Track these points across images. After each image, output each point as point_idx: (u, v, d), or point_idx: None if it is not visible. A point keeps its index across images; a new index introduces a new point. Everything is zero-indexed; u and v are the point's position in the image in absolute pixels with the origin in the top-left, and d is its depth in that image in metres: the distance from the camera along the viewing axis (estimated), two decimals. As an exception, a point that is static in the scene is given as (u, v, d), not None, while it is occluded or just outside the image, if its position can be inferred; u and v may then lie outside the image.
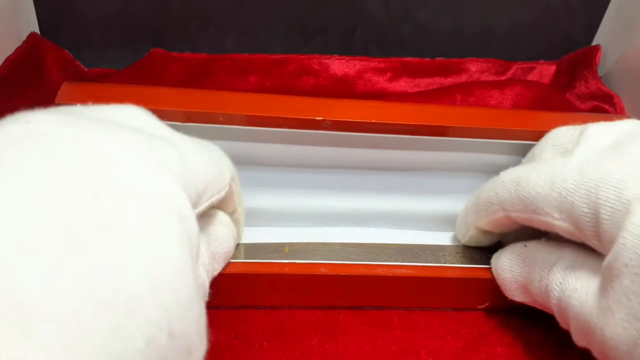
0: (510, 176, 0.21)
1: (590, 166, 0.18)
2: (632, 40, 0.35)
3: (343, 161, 0.26)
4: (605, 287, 0.17)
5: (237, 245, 0.25)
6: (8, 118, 0.15)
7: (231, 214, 0.23)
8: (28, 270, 0.11)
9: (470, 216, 0.24)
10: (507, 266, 0.23)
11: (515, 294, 0.23)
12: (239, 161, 0.26)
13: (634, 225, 0.16)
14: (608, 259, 0.17)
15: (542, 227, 0.20)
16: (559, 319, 0.21)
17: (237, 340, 0.23)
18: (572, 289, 0.19)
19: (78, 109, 0.17)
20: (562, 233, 0.20)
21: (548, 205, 0.19)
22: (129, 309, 0.12)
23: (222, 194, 0.20)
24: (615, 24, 0.37)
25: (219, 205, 0.21)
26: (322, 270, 0.24)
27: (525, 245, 0.22)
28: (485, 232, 0.24)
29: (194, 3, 0.35)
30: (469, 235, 0.25)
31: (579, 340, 0.20)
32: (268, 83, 0.36)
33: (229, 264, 0.23)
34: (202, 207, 0.18)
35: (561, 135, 0.22)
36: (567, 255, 0.20)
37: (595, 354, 0.19)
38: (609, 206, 0.17)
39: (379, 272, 0.24)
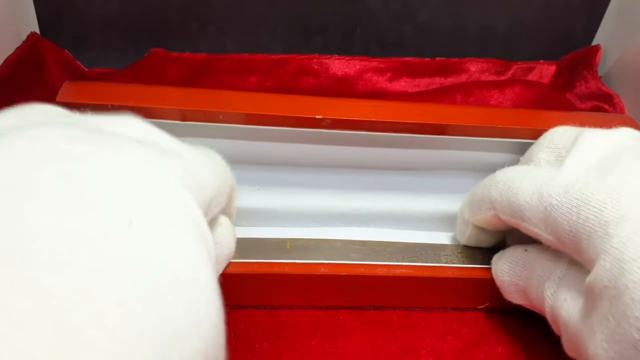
0: (504, 178, 0.22)
1: (575, 184, 0.18)
2: (632, 40, 0.35)
3: (343, 160, 0.26)
4: (588, 306, 0.18)
5: (237, 241, 0.24)
6: (10, 129, 0.14)
7: (230, 217, 0.23)
8: (79, 304, 0.10)
9: (466, 212, 0.24)
10: (507, 269, 0.23)
11: (514, 297, 0.23)
12: (239, 160, 0.26)
13: (613, 249, 0.16)
14: (589, 279, 0.17)
15: (530, 235, 0.21)
16: (552, 327, 0.21)
17: (237, 340, 0.23)
18: (563, 299, 0.19)
19: (76, 117, 0.17)
20: (547, 244, 0.20)
21: (535, 217, 0.20)
22: (172, 341, 0.11)
23: (223, 204, 0.20)
24: (615, 24, 0.37)
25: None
26: (322, 270, 0.24)
27: (526, 250, 0.22)
28: (483, 231, 0.24)
29: (194, 3, 0.35)
30: (467, 234, 0.25)
31: (568, 350, 0.20)
32: (268, 83, 0.36)
33: (229, 263, 0.23)
34: (208, 219, 0.18)
35: (557, 138, 0.22)
36: (563, 265, 0.20)
37: None
38: (588, 226, 0.17)
39: (379, 272, 0.24)
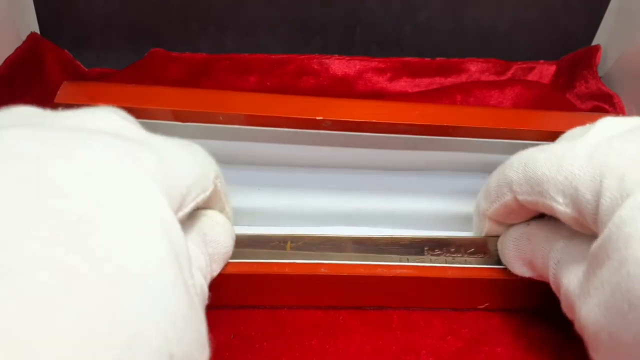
0: (520, 158, 0.21)
1: (598, 151, 0.18)
2: (632, 40, 0.35)
3: (344, 161, 0.26)
4: (588, 271, 0.18)
5: (238, 241, 0.24)
6: None
7: (222, 211, 0.22)
8: (29, 316, 0.10)
9: (482, 204, 0.24)
10: (512, 244, 0.23)
11: (521, 270, 0.23)
12: (239, 161, 0.26)
13: (619, 217, 0.16)
14: (595, 245, 0.17)
15: (547, 212, 0.20)
16: (556, 293, 0.21)
17: (237, 340, 0.23)
18: (565, 268, 0.20)
19: (50, 115, 0.17)
20: (564, 219, 0.19)
21: (553, 189, 0.19)
22: (130, 343, 0.11)
23: (208, 193, 0.19)
24: (615, 24, 0.37)
25: (207, 206, 0.21)
26: (322, 271, 0.24)
27: (529, 224, 0.23)
28: (501, 226, 0.24)
29: (194, 3, 0.35)
30: (485, 230, 0.25)
31: (565, 309, 0.20)
32: (268, 83, 0.36)
33: (229, 263, 0.23)
34: (188, 208, 0.18)
35: (576, 130, 0.22)
36: (565, 235, 0.20)
37: (575, 327, 0.19)
38: (608, 196, 0.17)
39: (379, 272, 0.24)
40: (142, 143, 0.16)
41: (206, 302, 0.18)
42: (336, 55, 0.37)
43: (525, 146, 0.25)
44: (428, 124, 0.24)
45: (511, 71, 0.38)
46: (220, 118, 0.23)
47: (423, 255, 0.24)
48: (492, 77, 0.38)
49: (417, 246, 0.25)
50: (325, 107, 0.24)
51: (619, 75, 0.36)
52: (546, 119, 0.25)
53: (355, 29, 0.37)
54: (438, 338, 0.24)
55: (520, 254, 0.23)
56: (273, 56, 0.36)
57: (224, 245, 0.22)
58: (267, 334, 0.24)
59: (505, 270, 0.24)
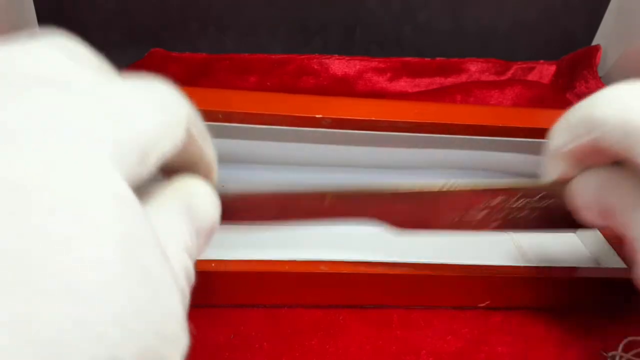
0: (613, 96, 0.18)
1: None
2: (632, 40, 0.35)
3: (343, 159, 0.26)
4: None
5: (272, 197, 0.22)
6: None
7: (200, 160, 0.19)
8: None
9: (558, 140, 0.20)
10: (588, 190, 0.20)
11: (592, 219, 0.20)
12: (239, 159, 0.26)
13: None
14: None
15: (635, 169, 0.18)
16: (631, 254, 0.18)
17: (237, 340, 0.23)
18: None
19: None
20: None
21: None
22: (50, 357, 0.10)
23: (178, 142, 0.16)
24: (615, 24, 0.37)
25: (181, 156, 0.18)
26: (322, 269, 0.24)
27: (611, 169, 0.19)
28: (576, 166, 0.20)
29: (194, 3, 0.35)
30: (559, 172, 0.21)
31: (638, 284, 0.18)
32: (268, 83, 0.36)
33: (229, 262, 0.23)
34: (152, 161, 0.15)
35: None
36: None
37: None
38: None
39: (379, 270, 0.24)
40: (93, 94, 0.14)
41: (192, 283, 0.16)
42: (336, 55, 0.37)
43: (528, 144, 0.24)
44: (427, 121, 0.24)
45: (511, 71, 0.38)
46: (220, 116, 0.23)
47: (480, 206, 0.22)
48: (492, 77, 0.38)
49: (477, 198, 0.22)
50: (324, 105, 0.24)
51: (619, 75, 0.36)
52: (547, 117, 0.25)
53: (355, 29, 0.37)
54: (438, 338, 0.24)
55: (595, 201, 0.20)
56: (273, 56, 0.37)
57: (210, 217, 0.18)
58: (267, 334, 0.24)
59: (506, 268, 0.24)
